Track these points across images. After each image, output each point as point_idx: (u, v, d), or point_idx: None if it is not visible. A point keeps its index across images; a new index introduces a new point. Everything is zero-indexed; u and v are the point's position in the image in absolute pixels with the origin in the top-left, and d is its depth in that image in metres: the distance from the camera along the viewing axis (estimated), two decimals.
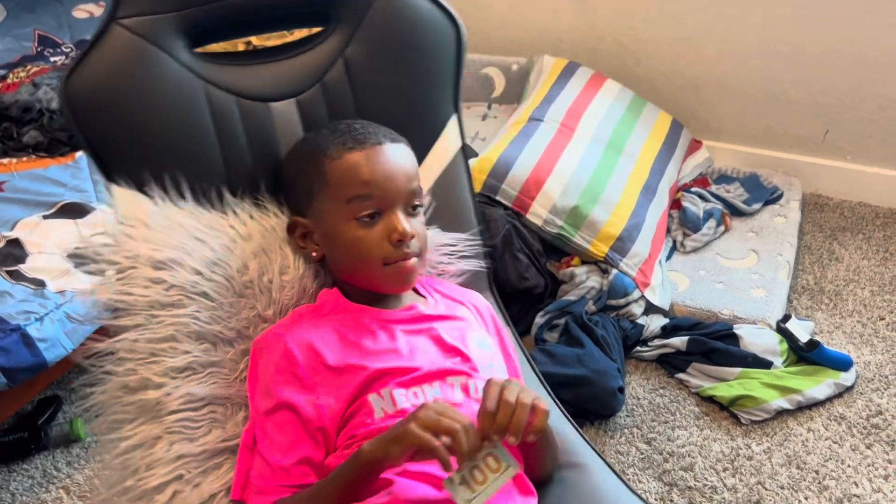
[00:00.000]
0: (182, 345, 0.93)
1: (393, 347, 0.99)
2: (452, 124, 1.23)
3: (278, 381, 0.93)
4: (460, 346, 1.02)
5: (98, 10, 2.75)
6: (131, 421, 0.92)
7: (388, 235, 0.99)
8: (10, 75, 2.25)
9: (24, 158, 1.89)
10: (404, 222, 1.00)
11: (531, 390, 0.85)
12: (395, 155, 1.03)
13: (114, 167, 1.01)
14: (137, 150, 1.01)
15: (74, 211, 1.70)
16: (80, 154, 1.89)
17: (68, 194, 1.75)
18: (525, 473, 0.98)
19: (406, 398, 0.94)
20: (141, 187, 1.01)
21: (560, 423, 1.13)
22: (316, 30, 1.16)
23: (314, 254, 1.06)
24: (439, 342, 1.02)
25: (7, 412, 1.58)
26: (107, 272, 0.93)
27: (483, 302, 1.18)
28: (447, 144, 1.22)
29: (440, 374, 0.98)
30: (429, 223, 1.16)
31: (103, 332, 0.96)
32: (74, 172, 1.84)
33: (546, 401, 0.95)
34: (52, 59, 2.43)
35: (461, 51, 1.20)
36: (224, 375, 0.97)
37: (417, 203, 1.04)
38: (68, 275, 1.57)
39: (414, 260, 1.02)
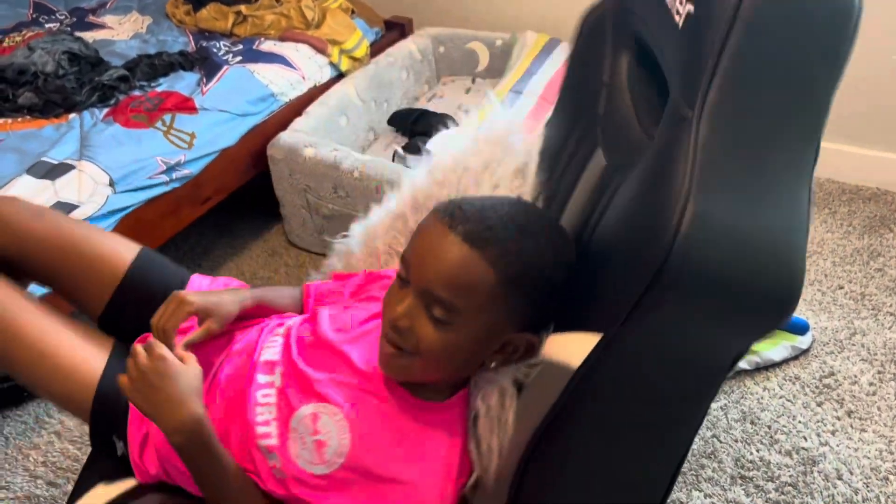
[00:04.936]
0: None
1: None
2: (586, 340, 0.81)
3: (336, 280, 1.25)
4: (315, 397, 0.99)
5: None
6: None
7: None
8: (6, 39, 2.30)
9: (20, 119, 1.94)
10: (405, 309, 0.89)
11: (150, 373, 0.93)
12: (447, 249, 0.87)
13: None
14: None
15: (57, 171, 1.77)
16: (73, 115, 1.95)
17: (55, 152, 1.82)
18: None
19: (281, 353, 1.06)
20: None
21: None
22: None
23: None
24: (333, 374, 1.01)
25: None
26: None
27: (418, 491, 0.92)
28: (561, 348, 0.87)
29: (298, 377, 1.02)
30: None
31: None
32: (67, 131, 1.89)
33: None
34: (46, 24, 2.48)
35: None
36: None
37: (441, 314, 0.87)
38: None
39: (396, 352, 0.92)
